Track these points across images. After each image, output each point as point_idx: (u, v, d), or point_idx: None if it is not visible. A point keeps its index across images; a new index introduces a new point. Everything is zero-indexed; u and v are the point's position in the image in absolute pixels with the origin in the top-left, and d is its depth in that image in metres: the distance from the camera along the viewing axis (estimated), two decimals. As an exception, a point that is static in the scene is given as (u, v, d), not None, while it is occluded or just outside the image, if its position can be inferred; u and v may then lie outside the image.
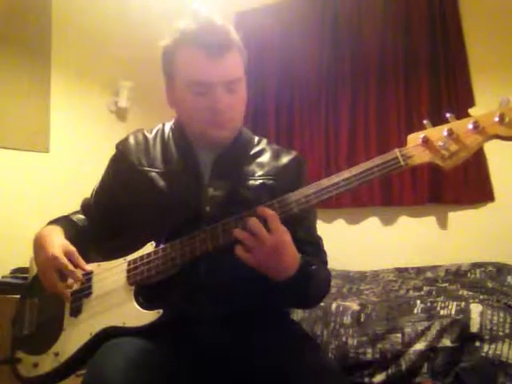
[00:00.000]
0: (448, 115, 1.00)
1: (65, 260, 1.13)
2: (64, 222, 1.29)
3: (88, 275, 1.17)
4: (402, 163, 0.99)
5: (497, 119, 0.96)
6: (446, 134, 0.98)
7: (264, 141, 1.32)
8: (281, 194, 1.16)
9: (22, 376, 1.18)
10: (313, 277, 1.11)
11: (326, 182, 1.03)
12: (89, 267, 1.17)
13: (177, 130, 1.28)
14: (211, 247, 1.05)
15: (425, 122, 1.01)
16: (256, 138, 1.32)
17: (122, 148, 1.28)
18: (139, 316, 1.07)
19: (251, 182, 1.20)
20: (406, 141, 1.02)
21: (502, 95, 0.98)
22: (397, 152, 1.00)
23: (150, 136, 1.29)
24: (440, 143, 0.98)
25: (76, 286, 1.18)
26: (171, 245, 1.09)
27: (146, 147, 1.26)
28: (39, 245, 1.18)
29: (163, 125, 1.32)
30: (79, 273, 1.14)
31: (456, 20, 3.16)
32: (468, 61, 3.13)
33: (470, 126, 0.97)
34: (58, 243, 1.16)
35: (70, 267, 1.13)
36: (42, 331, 1.21)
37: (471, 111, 0.99)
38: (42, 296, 1.25)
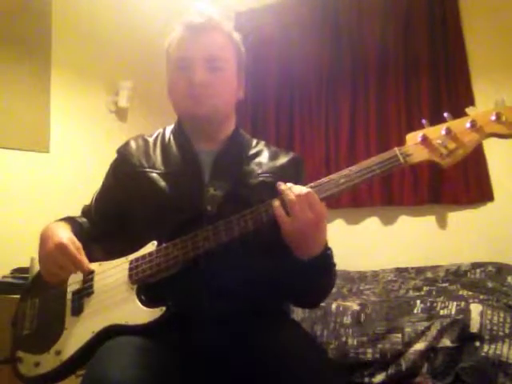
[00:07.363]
0: (446, 115, 1.02)
1: (74, 249, 1.13)
2: (70, 220, 1.31)
3: (90, 274, 1.18)
4: (402, 161, 1.01)
5: (493, 118, 0.97)
6: (444, 132, 1.00)
7: (262, 143, 1.35)
8: None
9: (24, 375, 1.18)
10: (330, 258, 1.11)
11: (325, 180, 1.04)
12: (91, 266, 1.17)
13: (177, 131, 1.31)
14: (214, 245, 1.06)
15: (423, 121, 1.03)
16: (254, 141, 1.35)
17: (122, 152, 1.31)
18: (141, 314, 1.07)
19: (251, 181, 1.22)
20: (405, 140, 1.03)
21: (501, 94, 0.99)
22: (396, 150, 1.02)
23: (151, 139, 1.32)
24: (438, 141, 1.00)
25: (77, 286, 1.18)
26: (173, 243, 1.10)
27: (146, 150, 1.28)
28: (47, 235, 1.18)
29: (164, 129, 1.35)
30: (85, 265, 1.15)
31: (456, 20, 3.17)
32: (468, 60, 3.14)
33: (468, 125, 0.99)
34: (67, 236, 1.17)
35: (79, 256, 1.13)
36: (43, 330, 1.21)
37: (468, 110, 1.01)
38: (42, 295, 1.25)
